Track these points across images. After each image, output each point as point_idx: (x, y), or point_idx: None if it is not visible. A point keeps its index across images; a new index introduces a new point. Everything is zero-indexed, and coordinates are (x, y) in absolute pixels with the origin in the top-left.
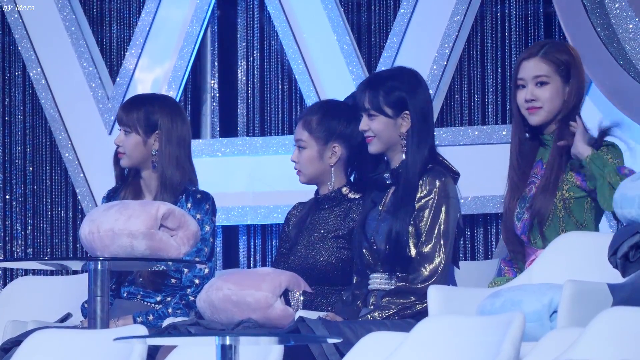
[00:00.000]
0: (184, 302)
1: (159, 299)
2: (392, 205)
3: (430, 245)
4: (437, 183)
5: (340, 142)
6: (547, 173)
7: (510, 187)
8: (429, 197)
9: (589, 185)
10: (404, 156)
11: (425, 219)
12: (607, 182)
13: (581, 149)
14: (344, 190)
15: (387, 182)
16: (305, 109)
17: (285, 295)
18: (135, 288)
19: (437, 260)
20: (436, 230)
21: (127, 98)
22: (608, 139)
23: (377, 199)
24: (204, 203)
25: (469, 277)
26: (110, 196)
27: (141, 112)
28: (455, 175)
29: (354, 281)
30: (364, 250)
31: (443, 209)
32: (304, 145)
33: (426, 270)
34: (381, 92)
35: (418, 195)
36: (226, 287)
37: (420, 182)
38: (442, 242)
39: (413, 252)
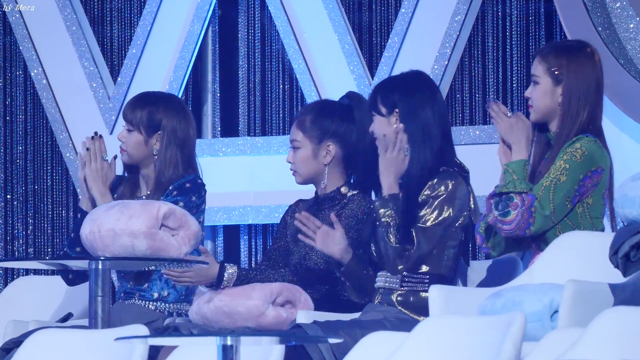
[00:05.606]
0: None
1: (155, 295)
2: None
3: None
4: (449, 184)
5: (335, 141)
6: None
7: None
8: (432, 195)
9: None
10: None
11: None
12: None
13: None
14: (343, 189)
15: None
16: (300, 110)
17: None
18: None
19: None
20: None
21: (127, 98)
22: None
23: None
24: (191, 193)
25: (469, 277)
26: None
27: (145, 112)
28: (465, 174)
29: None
30: (372, 249)
31: (445, 208)
32: (299, 146)
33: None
34: (380, 92)
35: (425, 192)
36: (217, 298)
37: (430, 183)
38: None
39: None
